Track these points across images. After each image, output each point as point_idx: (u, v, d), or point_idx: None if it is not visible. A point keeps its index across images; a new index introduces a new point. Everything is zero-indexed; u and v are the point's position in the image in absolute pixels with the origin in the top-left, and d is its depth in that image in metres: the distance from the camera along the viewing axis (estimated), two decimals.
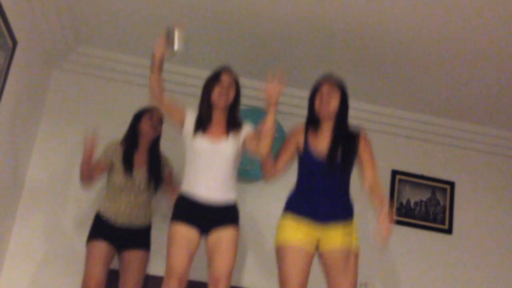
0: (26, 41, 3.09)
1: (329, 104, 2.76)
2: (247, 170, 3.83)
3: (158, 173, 3.33)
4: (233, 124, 2.85)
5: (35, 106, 3.60)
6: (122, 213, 3.19)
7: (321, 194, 2.73)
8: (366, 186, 2.77)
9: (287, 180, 3.90)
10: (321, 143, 2.78)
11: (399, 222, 3.96)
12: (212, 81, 2.84)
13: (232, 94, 2.84)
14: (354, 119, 4.05)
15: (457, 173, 4.13)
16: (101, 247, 3.12)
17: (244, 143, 2.83)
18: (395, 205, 3.99)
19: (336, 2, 2.97)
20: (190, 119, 2.84)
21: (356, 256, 2.69)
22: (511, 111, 3.89)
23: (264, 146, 2.70)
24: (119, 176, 3.22)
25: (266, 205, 3.86)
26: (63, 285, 3.48)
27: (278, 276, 2.66)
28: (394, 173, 4.04)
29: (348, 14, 3.06)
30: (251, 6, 3.12)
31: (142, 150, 3.33)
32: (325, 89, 2.79)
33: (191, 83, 3.92)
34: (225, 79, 2.83)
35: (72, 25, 3.53)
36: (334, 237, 2.66)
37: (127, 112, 3.77)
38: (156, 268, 3.56)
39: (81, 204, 3.62)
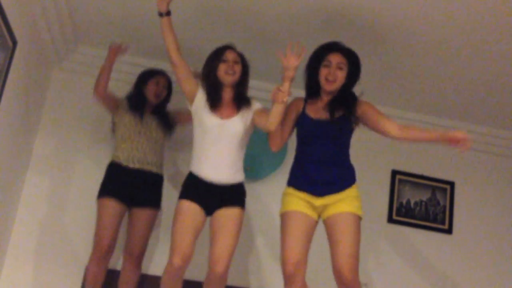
0: (26, 41, 3.09)
1: (336, 80, 2.70)
2: (247, 170, 3.82)
3: (167, 119, 3.39)
4: (241, 101, 2.85)
5: (35, 106, 3.60)
6: (134, 155, 3.23)
7: (319, 163, 2.69)
8: (395, 133, 2.70)
9: (287, 180, 3.91)
10: (320, 107, 2.75)
11: (399, 222, 3.97)
12: (216, 59, 2.83)
13: (238, 70, 2.83)
14: None
15: (457, 173, 4.13)
16: (113, 206, 3.16)
17: (253, 120, 2.83)
18: (395, 205, 3.99)
19: (336, 2, 2.97)
20: (202, 95, 2.84)
21: (358, 220, 2.65)
22: (511, 111, 3.89)
23: (273, 123, 2.69)
24: (128, 119, 3.28)
25: (266, 205, 3.86)
26: (63, 285, 3.48)
27: (280, 242, 2.65)
28: (394, 173, 4.04)
29: (348, 14, 3.06)
30: (251, 5, 3.11)
31: (147, 111, 3.38)
32: (334, 60, 2.71)
33: None
34: (230, 56, 2.82)
35: (72, 25, 3.53)
36: (335, 204, 2.65)
37: None
38: (155, 268, 3.57)
39: None
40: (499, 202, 4.12)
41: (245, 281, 3.68)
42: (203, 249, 3.57)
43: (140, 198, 3.24)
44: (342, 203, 2.64)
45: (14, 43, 2.88)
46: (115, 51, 3.39)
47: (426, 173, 4.09)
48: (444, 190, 4.08)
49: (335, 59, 2.71)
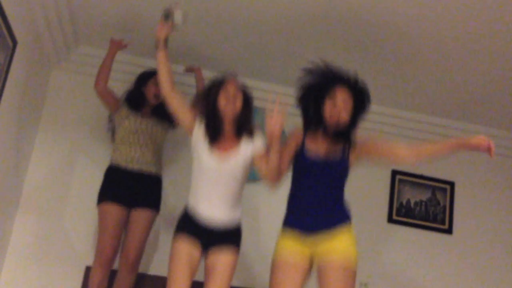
0: (26, 41, 3.09)
1: (341, 116, 2.53)
2: None
3: (167, 115, 3.22)
4: (242, 135, 2.70)
5: (35, 106, 3.60)
6: (133, 156, 3.23)
7: (313, 201, 2.55)
8: (410, 159, 2.57)
9: (287, 180, 3.91)
10: (320, 143, 2.62)
11: (399, 222, 3.97)
12: (217, 88, 2.68)
13: (239, 102, 2.67)
14: None
15: (457, 173, 4.14)
16: (115, 212, 3.15)
17: (252, 158, 2.71)
18: (395, 205, 3.99)
19: (336, 1, 2.97)
20: (199, 129, 2.70)
21: (352, 271, 2.47)
22: (511, 111, 3.89)
23: (267, 175, 2.63)
24: (127, 120, 3.28)
25: (266, 205, 3.86)
26: (63, 285, 3.48)
27: None
28: (394, 173, 4.04)
29: (349, 14, 3.05)
30: (251, 5, 3.11)
31: (146, 111, 3.38)
32: (340, 95, 2.55)
33: (191, 83, 3.92)
34: (230, 88, 2.67)
35: (72, 25, 3.53)
36: (327, 249, 2.47)
37: None
38: (155, 268, 3.57)
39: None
40: (499, 202, 4.13)
41: (245, 281, 3.68)
42: None
43: (140, 199, 3.23)
44: (334, 245, 2.47)
45: (14, 43, 2.88)
46: (117, 45, 3.39)
47: (426, 173, 4.09)
48: (444, 190, 4.08)
49: (342, 94, 2.56)
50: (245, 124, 2.70)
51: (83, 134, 3.77)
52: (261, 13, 3.17)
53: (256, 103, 3.92)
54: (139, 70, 3.85)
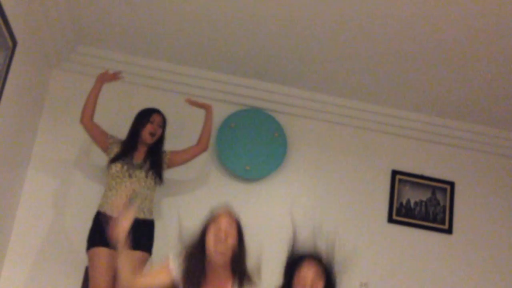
0: (26, 41, 3.09)
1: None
2: (247, 170, 3.83)
3: (159, 162, 3.32)
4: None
5: (35, 106, 3.60)
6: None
7: None
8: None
9: (287, 180, 3.92)
10: None
11: (399, 222, 3.97)
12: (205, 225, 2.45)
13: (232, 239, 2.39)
14: (354, 119, 4.08)
15: (457, 173, 4.13)
16: (104, 255, 3.04)
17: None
18: (395, 205, 3.99)
19: (336, 1, 2.97)
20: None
21: None
22: (511, 111, 3.89)
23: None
24: (117, 164, 3.23)
25: (266, 205, 3.86)
26: (63, 285, 3.48)
27: None
28: (394, 173, 4.04)
29: (348, 13, 3.05)
30: (251, 6, 3.11)
31: (141, 150, 3.36)
32: (309, 275, 2.39)
33: (191, 83, 3.93)
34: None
35: (72, 25, 3.53)
36: None
37: (127, 112, 3.77)
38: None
39: None
40: (499, 202, 4.12)
41: None
42: None
43: (131, 243, 3.13)
44: None
45: (14, 43, 2.88)
46: (104, 78, 3.41)
47: (426, 173, 4.08)
48: (444, 190, 4.08)
49: (311, 272, 2.41)
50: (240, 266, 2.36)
51: (83, 134, 3.76)
52: (261, 16, 3.17)
53: (257, 103, 3.93)
54: (138, 70, 3.86)
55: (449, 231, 4.00)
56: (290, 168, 3.94)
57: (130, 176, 3.22)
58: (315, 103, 4.02)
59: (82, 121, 3.34)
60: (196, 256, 2.31)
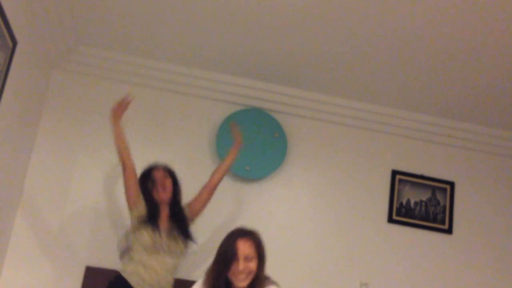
0: (26, 41, 3.09)
1: None
2: (247, 170, 3.83)
3: (185, 223, 3.12)
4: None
5: (35, 106, 3.60)
6: (146, 280, 2.94)
7: None
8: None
9: (287, 180, 3.92)
10: None
11: (399, 222, 3.97)
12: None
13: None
14: (354, 119, 4.08)
15: (457, 173, 4.13)
16: None
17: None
18: (395, 205, 3.99)
19: (335, 2, 2.97)
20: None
21: None
22: (511, 111, 3.89)
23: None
24: (148, 231, 2.98)
25: (266, 205, 3.86)
26: (63, 285, 3.48)
27: None
28: (394, 173, 4.04)
29: (348, 14, 3.05)
30: (251, 6, 3.11)
31: (163, 214, 3.11)
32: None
33: (191, 83, 3.93)
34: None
35: (72, 25, 3.53)
36: None
37: (127, 112, 3.77)
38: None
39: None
40: (499, 202, 4.12)
41: None
42: (201, 250, 3.58)
43: None
44: None
45: (14, 43, 2.89)
46: (115, 117, 3.10)
47: (426, 173, 4.09)
48: (444, 190, 4.08)
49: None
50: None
51: (84, 134, 3.77)
52: (260, 16, 3.17)
53: (256, 103, 3.93)
54: (141, 71, 3.86)
55: (449, 231, 4.00)
56: (290, 168, 3.94)
57: (163, 249, 2.99)
58: (315, 103, 4.02)
59: (126, 166, 3.04)
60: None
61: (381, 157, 4.08)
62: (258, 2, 3.06)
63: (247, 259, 2.34)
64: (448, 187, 4.08)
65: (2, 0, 2.61)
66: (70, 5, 3.31)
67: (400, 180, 4.05)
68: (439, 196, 4.06)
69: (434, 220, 4.01)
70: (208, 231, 3.67)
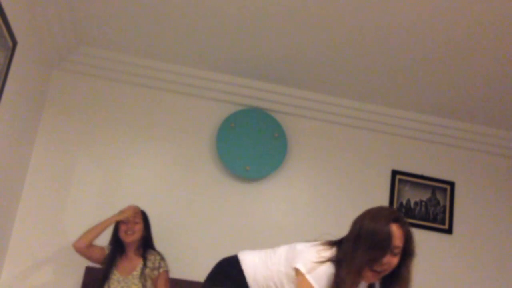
0: (26, 41, 3.09)
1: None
2: (247, 170, 3.83)
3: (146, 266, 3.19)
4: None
5: (35, 106, 3.60)
6: None
7: None
8: None
9: (287, 180, 3.92)
10: None
11: None
12: None
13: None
14: (354, 119, 4.08)
15: (457, 173, 4.13)
16: None
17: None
18: (395, 205, 3.99)
19: (335, 3, 2.97)
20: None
21: None
22: (511, 111, 3.89)
23: None
24: (114, 272, 3.17)
25: (266, 205, 3.86)
26: (63, 285, 3.48)
27: None
28: (394, 173, 4.04)
29: (347, 15, 3.05)
30: (251, 6, 3.11)
31: (129, 255, 3.24)
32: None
33: (191, 83, 3.93)
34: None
35: (72, 25, 3.53)
36: None
37: (127, 112, 3.78)
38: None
39: None
40: (499, 202, 4.12)
41: None
42: (201, 249, 3.58)
43: None
44: None
45: (14, 43, 2.89)
46: (130, 210, 3.26)
47: (426, 173, 4.09)
48: (444, 190, 4.08)
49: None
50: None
51: (83, 134, 3.77)
52: (259, 16, 3.17)
53: (256, 103, 3.93)
54: (138, 70, 3.86)
55: (449, 231, 4.00)
56: (290, 168, 3.94)
57: (125, 283, 3.12)
58: (315, 103, 4.02)
59: (76, 245, 3.14)
60: None
61: (381, 157, 4.08)
62: (258, 2, 3.06)
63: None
64: (448, 187, 4.08)
65: (2, 0, 2.61)
66: (70, 5, 3.31)
67: (400, 180, 4.05)
68: (439, 196, 4.06)
69: (434, 220, 4.01)
70: (208, 231, 3.67)
